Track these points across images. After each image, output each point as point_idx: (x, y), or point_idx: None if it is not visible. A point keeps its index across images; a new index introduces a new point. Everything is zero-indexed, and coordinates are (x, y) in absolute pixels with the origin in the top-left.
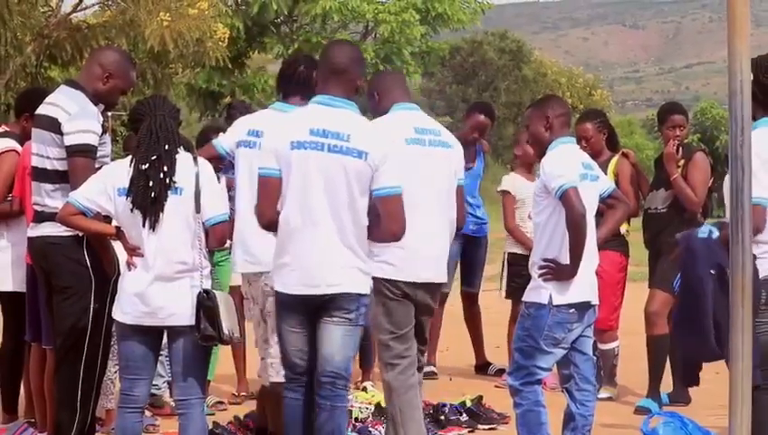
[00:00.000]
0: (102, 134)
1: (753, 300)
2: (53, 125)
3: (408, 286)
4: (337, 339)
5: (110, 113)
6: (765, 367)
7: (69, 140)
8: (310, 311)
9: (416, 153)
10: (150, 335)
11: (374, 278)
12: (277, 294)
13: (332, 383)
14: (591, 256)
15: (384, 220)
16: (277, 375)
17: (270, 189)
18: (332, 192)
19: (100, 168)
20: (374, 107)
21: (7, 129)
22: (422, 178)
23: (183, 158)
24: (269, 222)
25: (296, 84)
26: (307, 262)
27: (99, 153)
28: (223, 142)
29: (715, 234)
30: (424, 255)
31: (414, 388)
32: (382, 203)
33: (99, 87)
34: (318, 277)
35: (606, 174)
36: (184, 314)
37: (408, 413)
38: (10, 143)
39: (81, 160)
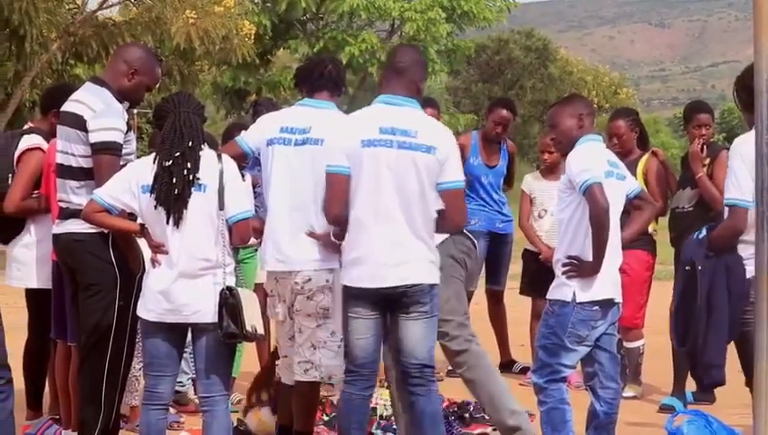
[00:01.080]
0: (127, 132)
1: (743, 299)
2: (78, 122)
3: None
4: (417, 333)
5: (135, 111)
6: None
7: (94, 138)
8: (381, 304)
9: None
10: (174, 332)
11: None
12: (346, 288)
13: (422, 372)
14: (615, 254)
15: (449, 212)
16: (304, 374)
17: (338, 186)
18: (403, 187)
19: (125, 165)
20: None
21: (33, 125)
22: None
23: (207, 155)
24: (336, 217)
25: (326, 81)
26: (379, 256)
27: (124, 151)
28: (247, 140)
29: (703, 233)
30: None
31: (486, 355)
32: (447, 196)
33: (124, 84)
34: (390, 270)
35: (636, 172)
36: (207, 312)
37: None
38: (36, 140)
39: (106, 158)
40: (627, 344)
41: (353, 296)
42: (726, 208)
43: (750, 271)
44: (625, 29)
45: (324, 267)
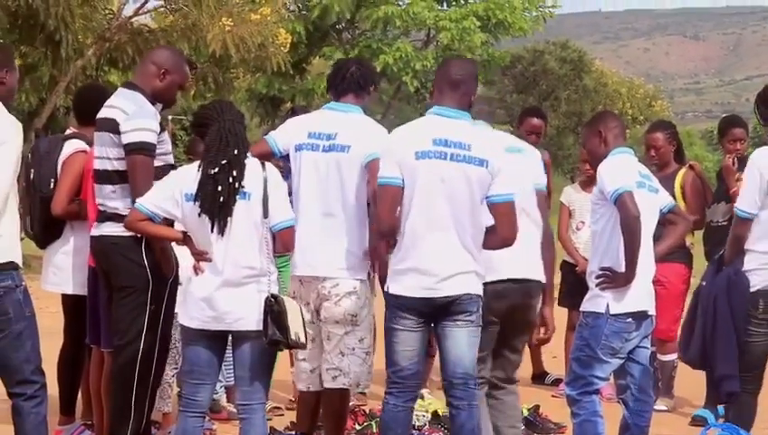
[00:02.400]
0: (161, 132)
1: (744, 310)
2: (112, 126)
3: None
4: (463, 342)
5: (170, 117)
6: (747, 374)
7: (126, 139)
8: (428, 314)
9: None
10: (216, 340)
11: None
12: (394, 298)
13: (465, 384)
14: (648, 267)
15: (498, 226)
16: (333, 381)
17: (390, 197)
18: (455, 199)
19: (164, 166)
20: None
21: (76, 131)
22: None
23: (251, 163)
24: (390, 228)
25: (349, 83)
26: (429, 266)
27: (159, 151)
28: (277, 140)
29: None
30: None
31: (482, 400)
32: (497, 209)
33: (156, 85)
34: (443, 281)
35: (673, 186)
36: (251, 319)
37: (482, 426)
38: (79, 144)
39: (140, 158)
40: (661, 357)
41: (402, 306)
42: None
43: (756, 282)
44: (660, 41)
45: (353, 277)
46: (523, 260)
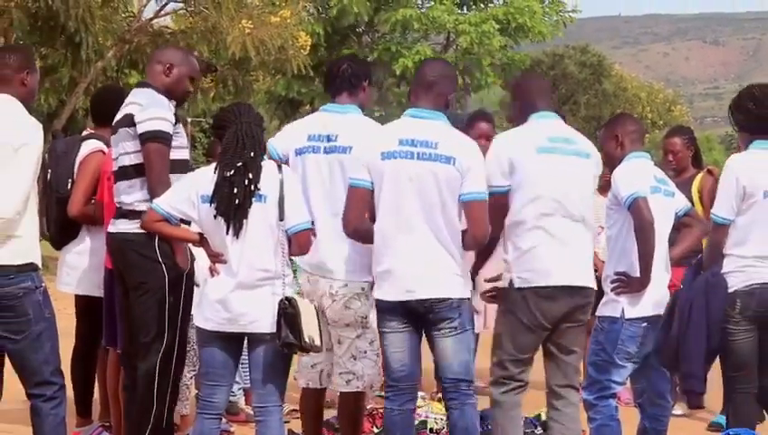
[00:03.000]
0: (176, 123)
1: (722, 311)
2: (128, 120)
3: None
4: (449, 349)
5: (189, 119)
6: (736, 374)
7: (141, 128)
8: (412, 317)
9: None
10: (231, 342)
11: (515, 289)
12: (378, 302)
13: (456, 386)
14: (664, 271)
15: (468, 224)
16: (347, 385)
17: (358, 199)
18: (424, 198)
19: (180, 161)
20: (515, 116)
21: (93, 132)
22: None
23: (267, 165)
24: (354, 230)
25: (341, 82)
26: (404, 268)
27: (175, 143)
28: (276, 146)
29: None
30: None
31: (519, 406)
32: (467, 207)
33: (165, 81)
34: (416, 284)
35: (690, 190)
36: (265, 322)
37: (511, 431)
38: (96, 144)
39: (155, 146)
40: None
41: (385, 310)
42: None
43: (734, 283)
44: (680, 46)
45: (361, 278)
46: (575, 267)
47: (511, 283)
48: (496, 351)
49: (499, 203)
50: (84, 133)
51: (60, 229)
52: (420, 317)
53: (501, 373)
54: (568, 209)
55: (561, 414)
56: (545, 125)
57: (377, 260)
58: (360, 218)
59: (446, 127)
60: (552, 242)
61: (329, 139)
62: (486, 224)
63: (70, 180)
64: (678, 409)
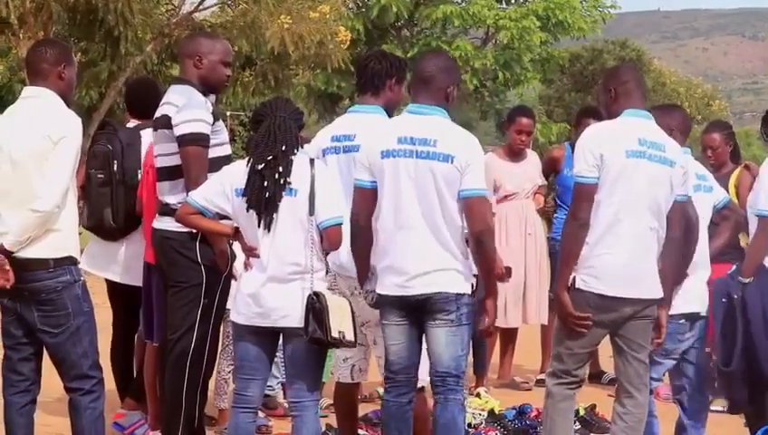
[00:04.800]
0: (215, 122)
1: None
2: (165, 121)
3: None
4: (441, 340)
5: (228, 113)
6: None
7: (179, 131)
8: (410, 311)
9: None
10: (264, 336)
11: (576, 289)
12: (378, 296)
13: (443, 381)
14: (703, 268)
15: (468, 222)
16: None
17: (361, 198)
18: (423, 196)
19: (221, 158)
20: (607, 104)
21: (139, 123)
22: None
23: (299, 159)
24: (360, 228)
25: (365, 82)
26: (402, 264)
27: (215, 141)
28: (308, 151)
29: (734, 269)
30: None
31: (571, 399)
32: (464, 204)
33: (198, 73)
34: (413, 278)
35: (728, 185)
36: (296, 316)
37: (560, 422)
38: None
39: (192, 149)
40: (716, 357)
41: (384, 304)
42: (757, 219)
43: None
44: (718, 41)
45: None
46: (640, 278)
47: (574, 281)
48: (555, 343)
49: (590, 193)
50: (132, 124)
51: (127, 220)
52: (419, 311)
53: (557, 366)
54: (642, 217)
55: (627, 413)
56: (636, 125)
57: (379, 256)
58: (363, 217)
59: (446, 122)
60: (620, 250)
61: (348, 138)
62: (486, 220)
63: (139, 171)
64: (718, 404)
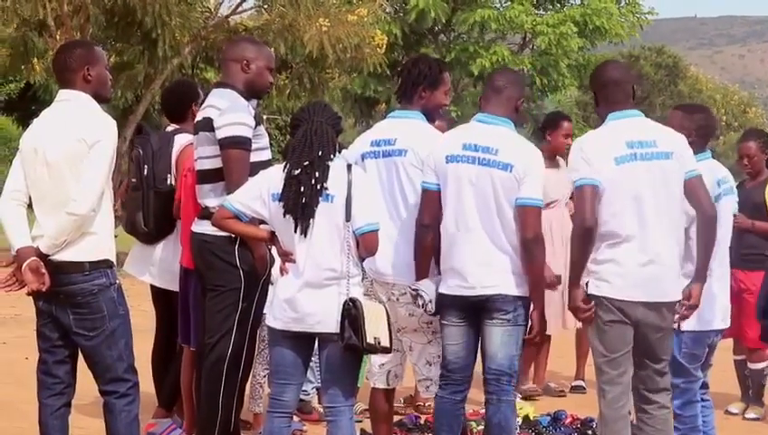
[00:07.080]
0: (257, 126)
1: None
2: (208, 124)
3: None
4: (497, 339)
5: (265, 116)
6: None
7: (221, 134)
8: (470, 311)
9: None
10: (300, 341)
11: (591, 296)
12: (441, 296)
13: (497, 380)
14: (723, 276)
15: (519, 228)
16: (427, 392)
17: (427, 200)
18: (482, 201)
19: (261, 162)
20: (595, 108)
21: (179, 127)
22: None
23: (336, 165)
24: (424, 228)
25: (400, 88)
26: (464, 265)
27: (257, 145)
28: (347, 156)
29: None
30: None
31: (624, 419)
32: (519, 211)
33: (245, 77)
34: (474, 279)
35: (763, 194)
36: (332, 322)
37: (611, 424)
38: (189, 138)
39: (235, 152)
40: (751, 365)
41: (446, 304)
42: None
43: None
44: (755, 48)
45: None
46: (653, 283)
47: (587, 286)
48: (593, 357)
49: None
50: (170, 128)
51: (158, 224)
52: (477, 313)
53: (600, 378)
54: (648, 220)
55: (651, 417)
56: (623, 127)
57: (443, 258)
58: (428, 217)
59: (511, 133)
60: (628, 257)
61: (387, 142)
62: (536, 229)
63: (170, 175)
64: (751, 412)
